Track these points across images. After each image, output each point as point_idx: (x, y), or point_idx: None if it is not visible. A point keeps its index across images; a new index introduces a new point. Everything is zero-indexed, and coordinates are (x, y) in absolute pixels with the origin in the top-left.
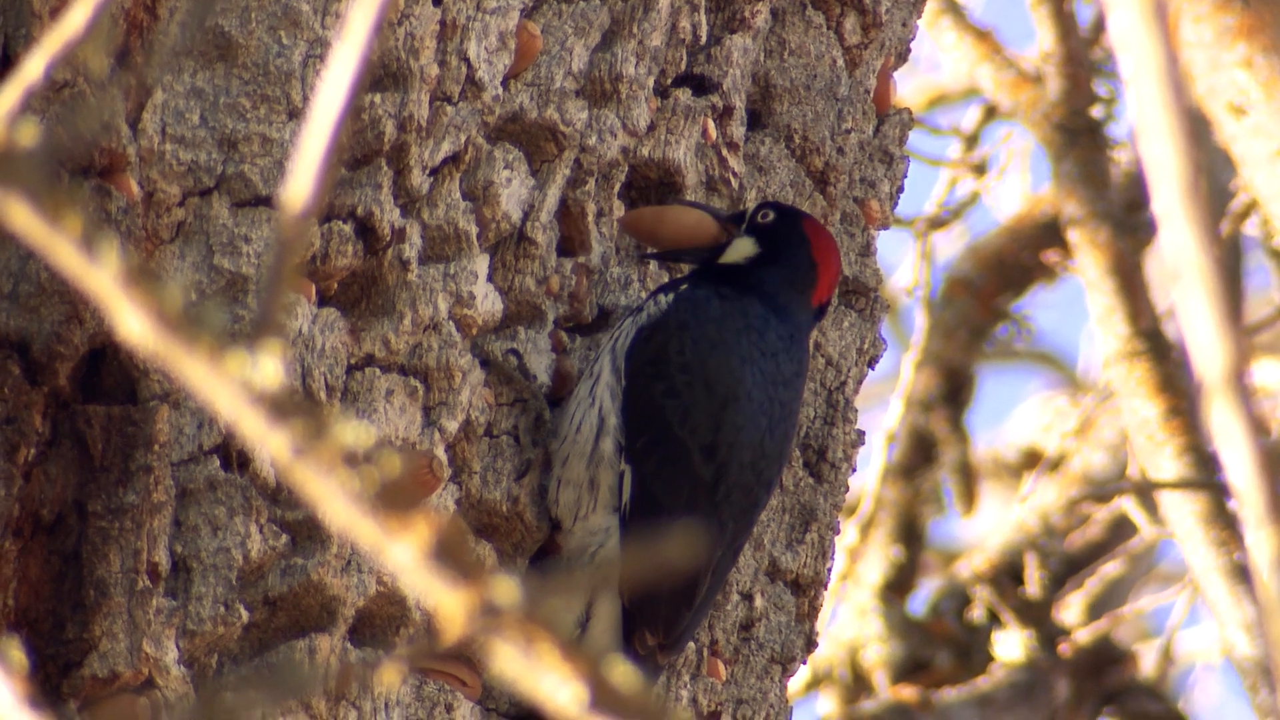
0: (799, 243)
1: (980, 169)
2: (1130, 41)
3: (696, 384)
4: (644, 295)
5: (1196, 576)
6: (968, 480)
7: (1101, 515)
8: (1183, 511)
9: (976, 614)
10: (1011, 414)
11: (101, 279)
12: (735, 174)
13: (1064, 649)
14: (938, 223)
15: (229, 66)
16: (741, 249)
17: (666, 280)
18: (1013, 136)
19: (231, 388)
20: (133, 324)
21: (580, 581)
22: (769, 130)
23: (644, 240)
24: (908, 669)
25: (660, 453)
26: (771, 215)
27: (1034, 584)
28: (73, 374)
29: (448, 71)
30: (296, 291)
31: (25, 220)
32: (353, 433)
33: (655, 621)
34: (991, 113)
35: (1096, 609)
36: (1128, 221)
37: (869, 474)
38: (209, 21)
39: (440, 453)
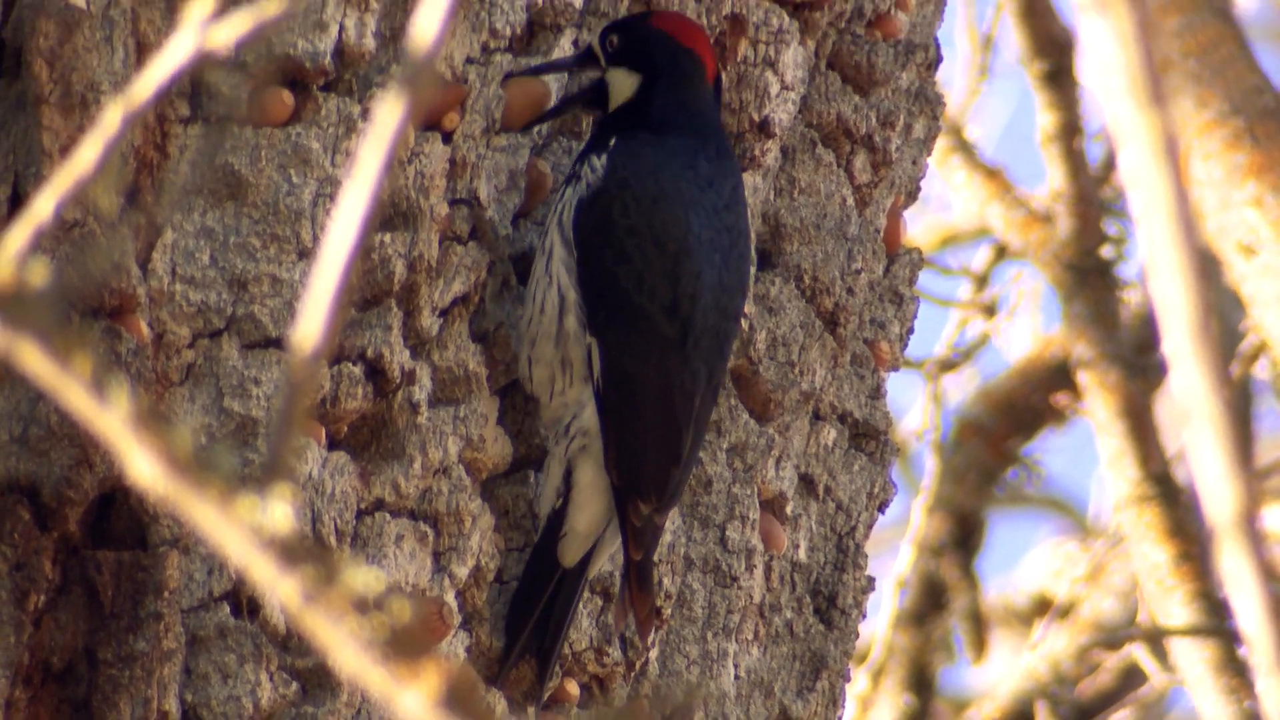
0: (665, 42)
1: (990, 310)
2: (1140, 180)
3: (646, 244)
4: (574, 161)
5: None
6: (978, 627)
7: (1112, 662)
8: (1194, 658)
9: None
10: (1022, 560)
11: (111, 422)
12: (745, 316)
13: None
14: (948, 365)
15: (239, 205)
16: (622, 84)
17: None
18: (1023, 276)
19: (241, 533)
20: (143, 468)
21: (557, 453)
22: (778, 270)
23: (524, 125)
24: None
25: (622, 321)
26: (617, 36)
27: None
28: (82, 519)
29: (457, 210)
30: (306, 435)
31: (35, 362)
32: (363, 579)
33: (646, 488)
34: (1002, 252)
35: None
36: (1138, 363)
37: (880, 620)
38: (219, 160)
39: (451, 599)
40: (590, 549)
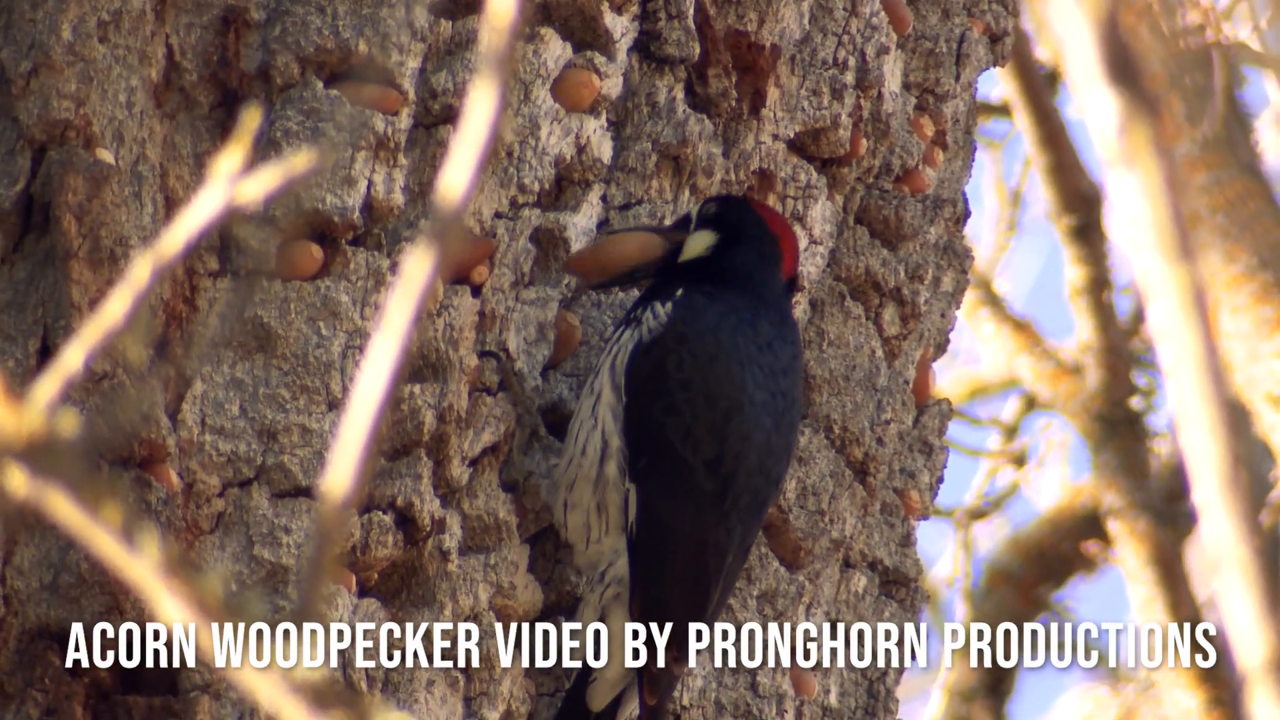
0: (754, 220)
1: (1020, 460)
2: (1169, 332)
3: (697, 399)
4: (633, 305)
5: None
6: None
7: None
8: None
9: None
10: (1053, 705)
11: (142, 569)
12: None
13: None
14: (978, 513)
15: (268, 357)
16: (700, 242)
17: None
18: (1052, 427)
19: (273, 679)
20: (173, 614)
21: (591, 600)
22: (808, 420)
23: (592, 276)
24: None
25: (663, 471)
26: (714, 206)
27: None
28: (114, 664)
29: (487, 362)
30: (337, 582)
31: (65, 511)
32: None
33: (670, 636)
34: (1031, 403)
35: None
36: (1167, 512)
37: None
38: (248, 312)
39: None
40: (619, 695)
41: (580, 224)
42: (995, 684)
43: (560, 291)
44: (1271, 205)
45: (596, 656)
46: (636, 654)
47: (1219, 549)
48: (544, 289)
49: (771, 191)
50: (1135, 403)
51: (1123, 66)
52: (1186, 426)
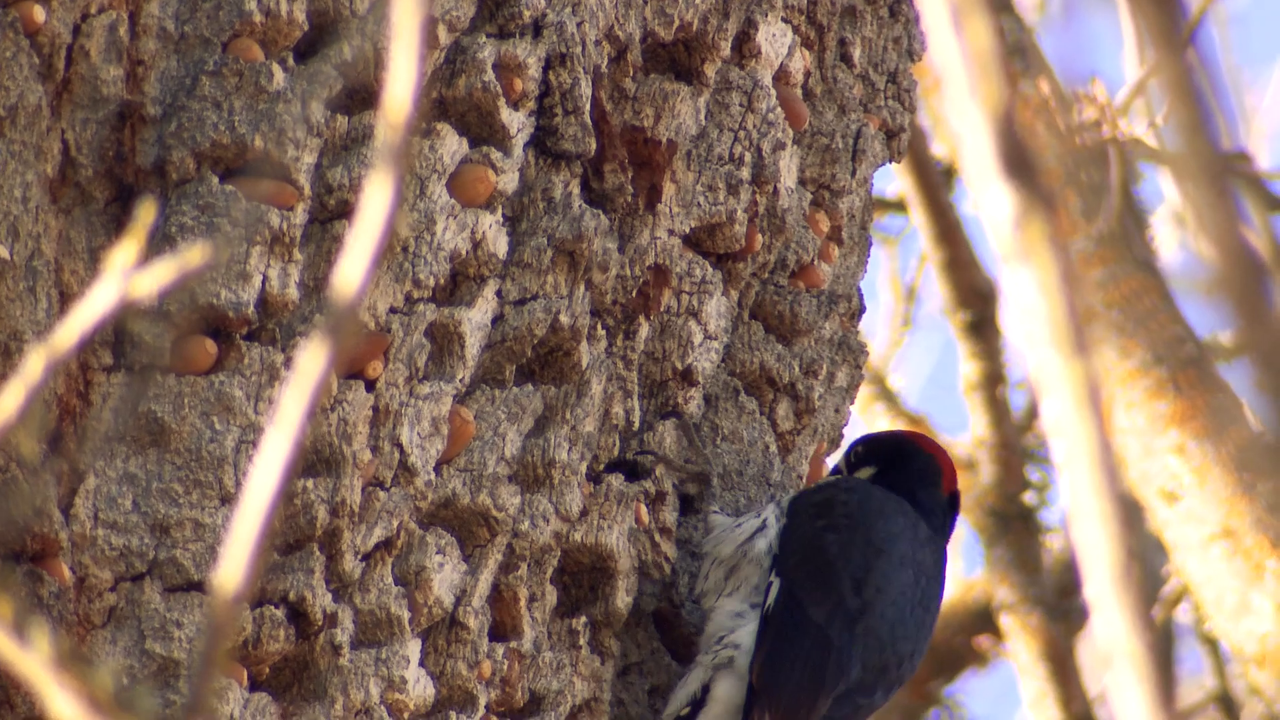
0: (908, 447)
1: None
2: (1064, 427)
3: (857, 529)
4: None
5: None
6: None
7: None
8: None
9: None
10: None
11: (33, 663)
12: (668, 559)
13: None
14: None
15: (161, 452)
16: (862, 475)
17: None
18: None
19: None
20: (64, 709)
21: (703, 662)
22: (701, 515)
23: None
24: None
25: (812, 567)
26: (861, 447)
27: None
28: None
29: (380, 457)
30: (228, 676)
31: None
32: None
33: (777, 707)
34: None
35: None
36: (1060, 607)
37: None
38: (142, 407)
39: None
40: None
41: (475, 319)
42: None
43: (454, 386)
44: (1167, 301)
45: (694, 717)
46: (745, 714)
47: (1111, 644)
48: (438, 384)
49: (667, 287)
50: (1028, 498)
51: (1018, 162)
52: (1080, 521)
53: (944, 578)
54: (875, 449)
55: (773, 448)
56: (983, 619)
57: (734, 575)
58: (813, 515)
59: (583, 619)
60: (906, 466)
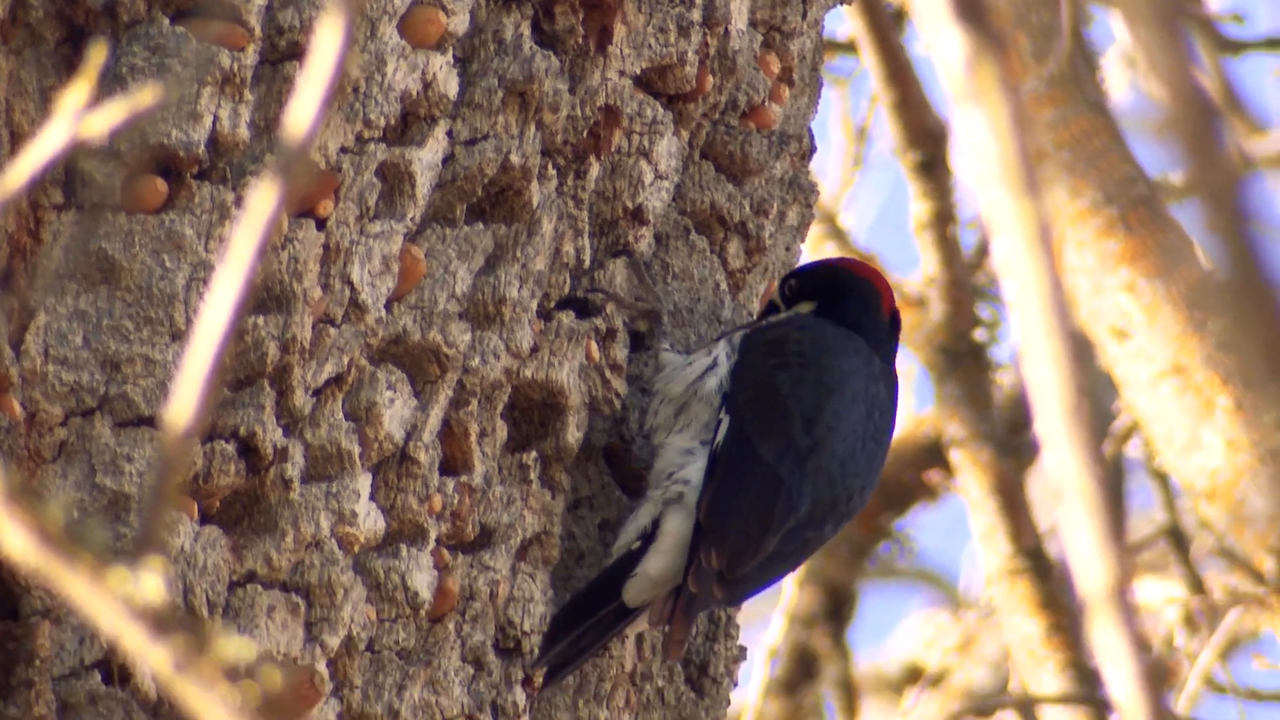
0: (844, 276)
1: None
2: (1015, 266)
3: (808, 369)
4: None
5: None
6: (849, 696)
7: None
8: None
9: None
10: (893, 631)
11: None
12: (618, 395)
13: None
14: None
15: (112, 289)
16: (800, 309)
17: None
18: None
19: (113, 604)
20: (15, 541)
21: (653, 497)
22: (652, 352)
23: None
24: None
25: (762, 408)
26: (794, 280)
27: None
28: None
29: (331, 294)
30: (178, 510)
31: None
32: (234, 648)
33: (723, 545)
34: None
35: None
36: (1010, 442)
37: (751, 689)
38: (93, 245)
39: (322, 668)
40: (653, 598)
41: (426, 158)
42: (836, 609)
43: (405, 225)
44: (1117, 141)
45: (642, 553)
46: (691, 549)
47: (1061, 478)
48: (389, 223)
49: (617, 127)
50: (979, 335)
51: (969, 4)
52: (1030, 358)
53: (895, 409)
54: (810, 282)
55: (723, 285)
56: (933, 454)
57: (684, 412)
58: (765, 353)
59: (533, 454)
60: (846, 296)
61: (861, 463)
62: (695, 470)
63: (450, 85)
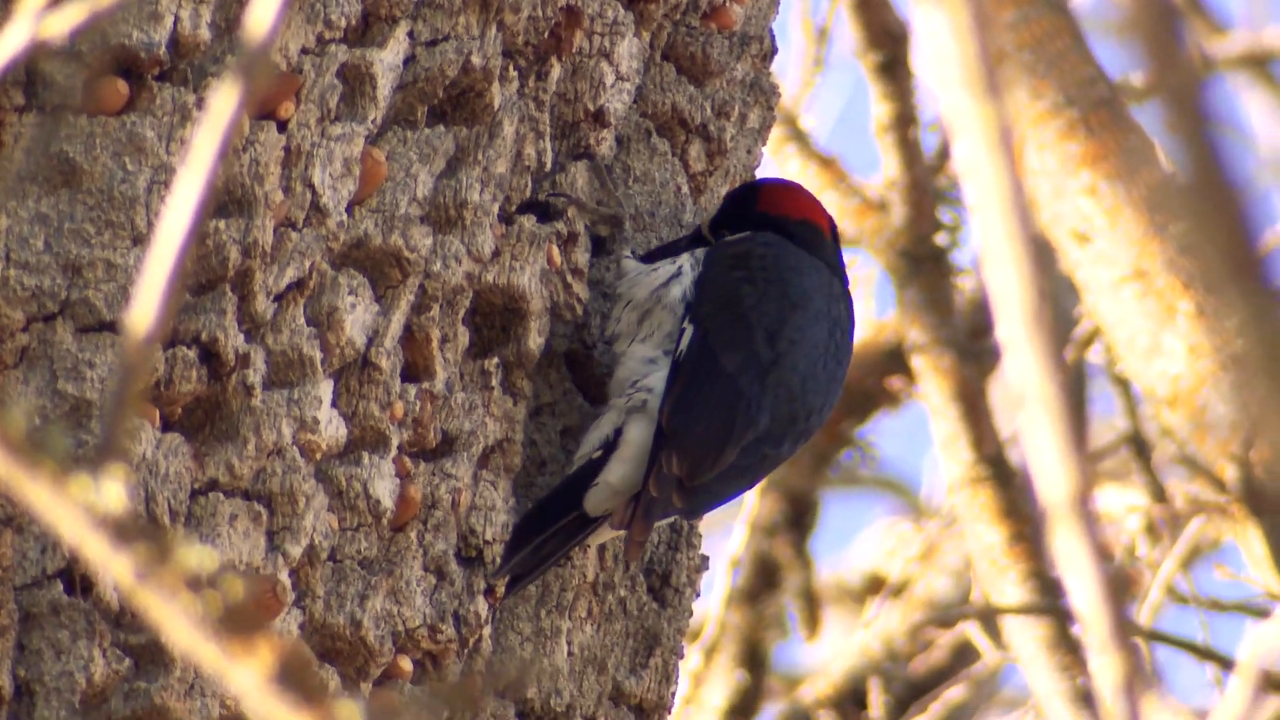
0: (779, 224)
1: None
2: (976, 169)
3: (772, 283)
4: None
5: (1040, 701)
6: (811, 605)
7: (945, 640)
8: (1026, 636)
9: None
10: (855, 540)
11: None
12: (580, 300)
13: None
14: None
15: (73, 192)
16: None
17: None
18: (857, 263)
19: (75, 512)
20: None
21: (616, 405)
22: (613, 256)
23: None
24: None
25: (725, 319)
26: (728, 232)
27: (877, 708)
28: None
29: (292, 198)
30: (140, 416)
31: None
32: (196, 557)
33: (684, 451)
34: None
35: None
36: (971, 348)
37: (713, 599)
38: (53, 148)
39: (284, 577)
40: (614, 507)
41: (387, 60)
42: (798, 518)
43: (366, 127)
44: (1078, 42)
45: (604, 461)
46: (652, 453)
47: (1023, 385)
48: (350, 125)
49: (579, 28)
50: (940, 239)
51: None
52: (992, 263)
53: (853, 331)
54: (732, 214)
55: (684, 189)
56: (894, 360)
57: (647, 320)
58: (730, 265)
59: (495, 360)
60: (780, 221)
61: (822, 380)
62: (658, 379)
63: None
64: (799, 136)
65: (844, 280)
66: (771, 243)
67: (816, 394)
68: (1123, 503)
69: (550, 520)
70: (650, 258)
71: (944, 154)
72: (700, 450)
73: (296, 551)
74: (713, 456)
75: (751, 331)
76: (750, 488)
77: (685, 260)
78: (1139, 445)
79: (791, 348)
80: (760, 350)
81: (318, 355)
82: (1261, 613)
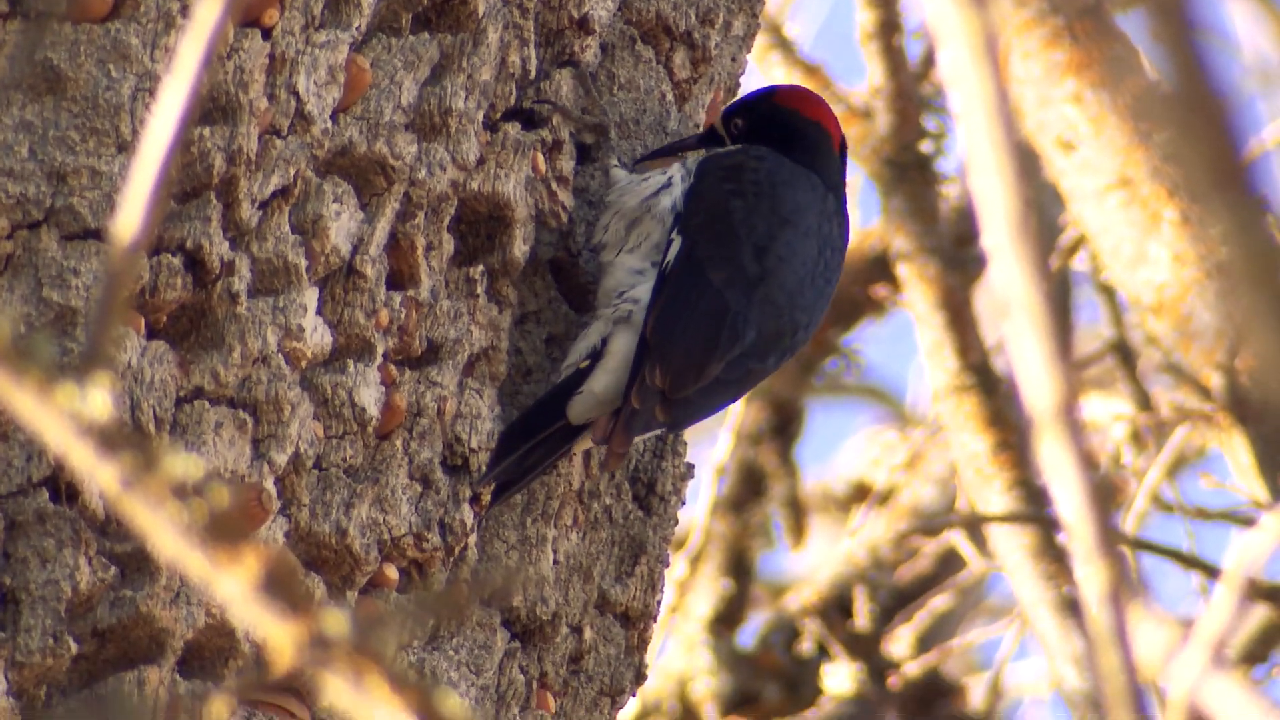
0: (789, 117)
1: None
2: (960, 77)
3: (763, 199)
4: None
5: (1025, 610)
6: (797, 514)
7: (930, 548)
8: (1011, 545)
9: (806, 647)
10: (840, 448)
11: None
12: (565, 208)
13: (893, 682)
14: None
15: (58, 100)
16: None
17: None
18: None
19: (60, 420)
20: None
21: (603, 315)
22: (599, 164)
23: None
24: (737, 702)
25: (713, 233)
26: (741, 119)
27: (863, 617)
28: None
29: (277, 105)
30: (125, 324)
31: None
32: (181, 465)
33: (667, 363)
34: None
35: (925, 642)
36: (957, 256)
37: (698, 507)
38: (38, 55)
39: (269, 485)
40: (598, 416)
41: None
42: (783, 426)
43: (351, 35)
44: None
45: (590, 371)
46: (635, 365)
47: (1008, 293)
48: (334, 32)
49: None
50: (925, 147)
51: None
52: (977, 171)
53: (845, 249)
54: (758, 122)
55: (669, 96)
56: (879, 268)
57: (635, 230)
58: (721, 178)
59: (480, 267)
60: (798, 139)
61: (809, 298)
62: (645, 290)
63: None
64: (783, 44)
65: (842, 198)
66: (765, 156)
67: (804, 311)
68: (1108, 411)
69: (536, 429)
70: (654, 155)
71: (929, 61)
72: (684, 363)
73: (282, 459)
74: (696, 369)
75: (740, 246)
76: (733, 402)
77: (676, 171)
78: (1124, 353)
79: (780, 264)
80: (748, 265)
81: (303, 263)
82: (1247, 521)
